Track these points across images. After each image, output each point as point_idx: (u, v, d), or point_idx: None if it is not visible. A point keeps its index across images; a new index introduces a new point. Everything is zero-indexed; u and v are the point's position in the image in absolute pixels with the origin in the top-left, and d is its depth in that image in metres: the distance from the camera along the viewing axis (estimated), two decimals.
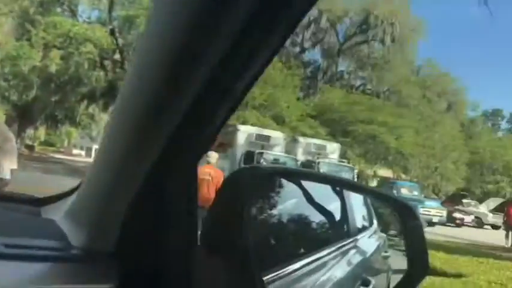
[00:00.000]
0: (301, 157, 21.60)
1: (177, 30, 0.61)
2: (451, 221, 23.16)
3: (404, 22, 34.14)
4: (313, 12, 35.18)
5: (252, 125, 22.79)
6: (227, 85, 0.69)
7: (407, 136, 28.24)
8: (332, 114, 28.70)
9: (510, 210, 17.71)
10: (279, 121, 25.95)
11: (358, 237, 2.05)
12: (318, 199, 1.57)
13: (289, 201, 1.46)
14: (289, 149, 21.96)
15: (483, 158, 32.20)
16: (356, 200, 2.07)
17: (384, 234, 2.37)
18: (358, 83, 36.26)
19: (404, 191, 23.57)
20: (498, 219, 25.53)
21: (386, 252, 2.32)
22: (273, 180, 1.28)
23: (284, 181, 1.34)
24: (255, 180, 1.05)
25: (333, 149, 22.62)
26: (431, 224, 22.22)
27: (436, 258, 7.60)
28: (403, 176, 29.24)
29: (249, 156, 19.95)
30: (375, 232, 2.33)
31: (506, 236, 17.30)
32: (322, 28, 36.95)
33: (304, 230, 1.54)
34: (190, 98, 0.66)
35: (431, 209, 22.28)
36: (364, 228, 2.23)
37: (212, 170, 7.76)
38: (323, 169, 20.88)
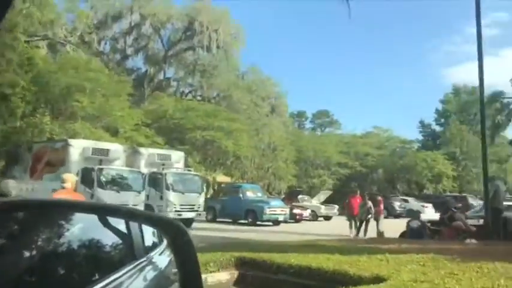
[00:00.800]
0: (144, 169, 20.05)
1: None
2: (291, 217, 24.27)
3: (227, 29, 35.05)
4: (135, 17, 33.59)
5: (84, 138, 20.36)
6: None
7: (242, 140, 28.89)
8: (167, 122, 27.63)
9: (351, 201, 19.12)
10: (112, 132, 23.83)
11: (150, 255, 2.07)
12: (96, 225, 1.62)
13: (74, 228, 1.53)
14: (131, 162, 20.23)
15: (307, 155, 35.00)
16: (129, 226, 2.04)
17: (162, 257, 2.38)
18: (187, 89, 35.87)
19: (249, 194, 23.93)
20: (329, 211, 27.92)
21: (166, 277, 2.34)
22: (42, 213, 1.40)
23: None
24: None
25: (178, 157, 21.66)
26: (276, 223, 22.96)
27: (327, 261, 7.32)
28: (240, 180, 29.80)
29: (87, 173, 17.69)
30: (164, 249, 2.30)
31: (350, 226, 18.56)
32: (144, 34, 35.59)
33: (89, 256, 1.53)
34: None
35: (277, 208, 23.01)
36: (154, 246, 2.24)
37: (70, 194, 6.21)
38: (171, 180, 19.81)
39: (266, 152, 30.94)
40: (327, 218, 27.47)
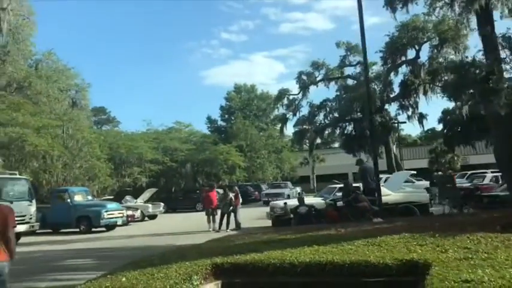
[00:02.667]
0: None
1: None
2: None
3: (16, 9, 29.94)
4: None
5: None
6: None
7: (53, 137, 25.23)
8: None
9: (209, 195, 18.87)
10: None
11: None
12: None
13: None
14: None
15: (119, 152, 32.74)
16: None
17: None
18: None
19: (78, 198, 21.15)
20: (156, 209, 26.88)
21: None
22: None
23: None
24: None
25: None
26: (111, 227, 20.97)
27: (340, 253, 7.05)
28: (52, 183, 25.99)
29: None
30: None
31: (208, 220, 18.33)
32: None
33: None
34: None
35: (114, 211, 20.99)
36: None
37: None
38: None
39: (76, 150, 27.73)
40: (153, 217, 26.43)
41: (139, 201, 26.60)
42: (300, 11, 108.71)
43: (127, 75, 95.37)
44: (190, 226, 20.17)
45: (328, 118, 43.11)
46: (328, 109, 43.26)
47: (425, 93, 39.61)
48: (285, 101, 44.17)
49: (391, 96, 40.21)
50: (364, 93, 36.46)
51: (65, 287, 7.85)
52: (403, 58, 38.30)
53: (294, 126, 44.78)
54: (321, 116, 43.33)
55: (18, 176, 18.17)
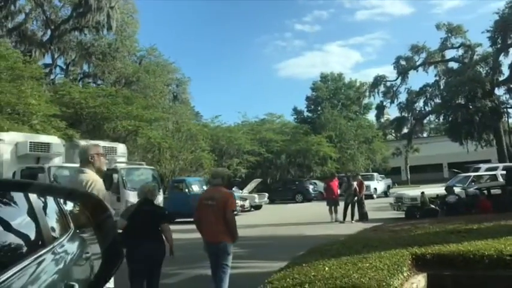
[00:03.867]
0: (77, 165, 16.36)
1: None
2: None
3: (122, 7, 31.23)
4: None
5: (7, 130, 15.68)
6: None
7: (164, 129, 26.03)
8: (76, 112, 23.32)
9: (330, 185, 18.32)
10: (19, 121, 19.11)
11: (55, 243, 1.98)
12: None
13: None
14: (69, 157, 16.30)
15: (221, 144, 33.27)
16: (49, 204, 2.06)
17: (84, 235, 2.42)
18: (81, 74, 30.88)
19: (195, 188, 21.49)
20: (262, 199, 26.91)
21: (87, 253, 2.32)
22: None
23: None
24: None
25: (123, 150, 18.25)
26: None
27: None
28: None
29: (30, 176, 13.60)
30: (72, 235, 2.32)
31: (330, 211, 17.77)
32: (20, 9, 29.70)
33: None
34: None
35: (238, 201, 21.12)
36: (61, 234, 2.18)
37: None
38: (128, 177, 16.62)
39: (182, 142, 28.38)
40: (258, 207, 26.41)
41: (245, 191, 26.67)
42: None
43: (202, 72, 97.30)
44: (305, 217, 19.74)
45: (429, 104, 40.91)
46: (428, 95, 41.08)
47: None
48: (382, 88, 42.54)
49: (500, 79, 37.30)
50: (472, 76, 34.12)
51: (256, 274, 7.63)
52: None
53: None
54: (420, 103, 41.27)
55: (146, 167, 18.70)
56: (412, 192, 16.82)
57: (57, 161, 15.54)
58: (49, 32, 29.61)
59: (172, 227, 6.35)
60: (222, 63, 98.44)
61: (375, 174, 42.88)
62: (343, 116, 57.42)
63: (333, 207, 17.64)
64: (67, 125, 21.53)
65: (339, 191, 18.22)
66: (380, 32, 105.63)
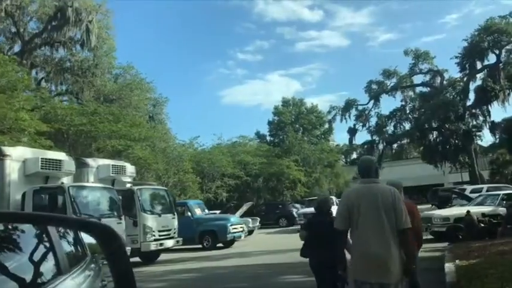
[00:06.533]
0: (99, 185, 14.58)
1: None
2: None
3: (99, 21, 29.51)
4: None
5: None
6: None
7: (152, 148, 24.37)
8: (67, 129, 21.34)
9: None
10: (7, 137, 17.02)
11: (72, 272, 2.03)
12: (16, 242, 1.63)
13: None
14: (77, 176, 14.49)
15: (203, 166, 31.74)
16: (66, 234, 2.17)
17: (100, 263, 2.49)
18: (55, 91, 28.50)
19: (197, 211, 20.00)
20: (254, 224, 25.81)
21: (103, 280, 2.36)
22: None
23: None
24: None
25: (132, 170, 16.54)
26: (231, 242, 19.62)
27: None
28: None
29: (50, 196, 11.76)
30: (88, 263, 2.36)
31: None
32: None
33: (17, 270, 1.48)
34: None
35: (237, 225, 19.80)
36: (77, 262, 2.19)
37: None
38: (145, 199, 15.01)
39: (168, 164, 26.77)
40: (250, 232, 25.19)
41: (237, 215, 25.35)
42: (315, 29, 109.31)
43: (170, 92, 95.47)
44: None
45: (399, 128, 41.74)
46: (397, 119, 41.97)
47: (504, 99, 38.07)
48: (354, 111, 42.98)
49: (467, 104, 38.79)
50: (446, 100, 35.01)
51: None
52: (484, 63, 36.95)
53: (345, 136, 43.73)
54: (391, 127, 42.02)
55: (158, 187, 17.11)
56: (444, 212, 16.38)
57: (66, 180, 13.72)
58: (18, 45, 27.26)
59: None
60: (180, 86, 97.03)
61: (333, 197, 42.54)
62: (307, 141, 57.66)
63: None
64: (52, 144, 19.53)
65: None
66: (318, 62, 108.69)
